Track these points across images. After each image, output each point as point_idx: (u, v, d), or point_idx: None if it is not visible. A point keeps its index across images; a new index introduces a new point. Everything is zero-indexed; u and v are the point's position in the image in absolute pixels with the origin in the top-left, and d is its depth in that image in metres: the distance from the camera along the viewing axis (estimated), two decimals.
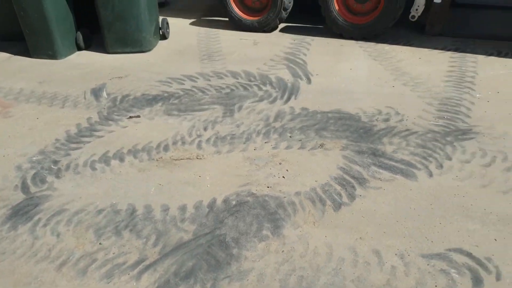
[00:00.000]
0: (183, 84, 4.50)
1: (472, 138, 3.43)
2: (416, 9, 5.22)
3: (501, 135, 3.45)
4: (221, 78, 4.60)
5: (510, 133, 3.47)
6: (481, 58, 4.81)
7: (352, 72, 4.67)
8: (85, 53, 5.37)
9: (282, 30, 5.89)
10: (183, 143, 3.50)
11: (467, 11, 6.26)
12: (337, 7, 5.39)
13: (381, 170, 3.11)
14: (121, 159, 3.32)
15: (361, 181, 3.01)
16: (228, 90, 4.33)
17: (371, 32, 5.36)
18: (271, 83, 4.44)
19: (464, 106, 3.88)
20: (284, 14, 5.66)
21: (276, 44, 5.46)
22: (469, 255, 2.40)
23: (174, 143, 3.50)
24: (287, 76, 4.59)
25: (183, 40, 5.72)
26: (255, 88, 4.36)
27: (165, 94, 4.29)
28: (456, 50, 5.02)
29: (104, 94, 4.34)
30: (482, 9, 6.35)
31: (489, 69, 4.54)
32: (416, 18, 5.27)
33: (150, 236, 2.58)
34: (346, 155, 3.29)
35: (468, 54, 4.90)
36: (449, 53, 4.95)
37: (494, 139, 3.41)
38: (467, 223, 2.62)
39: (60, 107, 4.11)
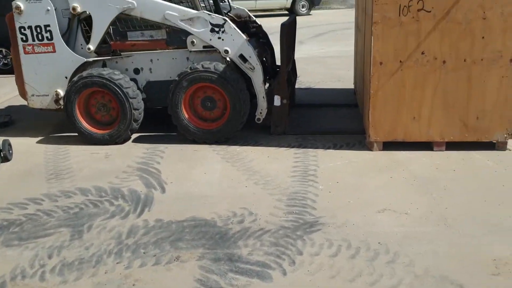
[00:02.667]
0: (26, 208, 4.16)
1: (319, 230, 3.63)
2: (260, 113, 5.66)
3: (343, 223, 3.72)
4: (70, 197, 4.36)
5: (350, 220, 3.76)
6: (320, 151, 5.27)
7: (206, 176, 4.77)
8: None
9: (135, 140, 5.89)
10: (24, 277, 3.15)
11: (305, 110, 6.96)
12: (186, 115, 5.60)
13: (237, 276, 3.11)
14: None
15: None
16: (76, 210, 4.10)
17: (222, 136, 5.62)
18: (123, 197, 4.32)
19: (310, 199, 4.15)
20: (135, 125, 5.70)
21: (129, 155, 5.42)
22: None
23: (13, 278, 3.14)
24: (140, 188, 4.52)
25: (28, 160, 5.39)
26: (107, 204, 4.19)
27: (4, 223, 3.90)
28: (299, 146, 5.46)
29: None
30: (317, 107, 7.14)
31: (328, 161, 4.98)
32: (261, 121, 5.70)
33: None
34: (202, 265, 3.24)
35: (309, 149, 5.35)
36: (293, 150, 5.36)
37: (337, 227, 3.66)
38: None
39: None
